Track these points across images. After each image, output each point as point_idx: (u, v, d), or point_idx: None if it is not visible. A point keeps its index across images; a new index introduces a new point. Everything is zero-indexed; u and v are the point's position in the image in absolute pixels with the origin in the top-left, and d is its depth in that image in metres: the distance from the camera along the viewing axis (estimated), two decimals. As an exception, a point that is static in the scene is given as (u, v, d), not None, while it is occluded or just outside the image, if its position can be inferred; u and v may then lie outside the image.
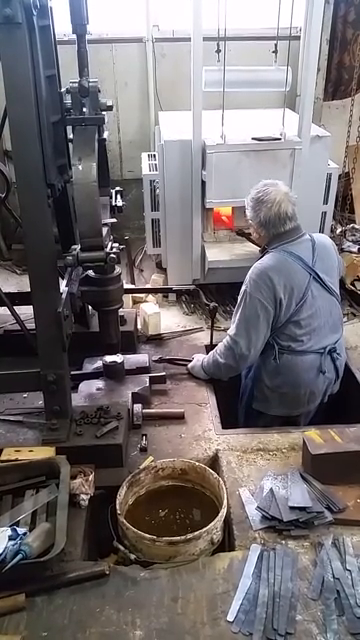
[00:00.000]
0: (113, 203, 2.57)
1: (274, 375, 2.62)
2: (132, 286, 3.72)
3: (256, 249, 2.91)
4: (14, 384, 2.43)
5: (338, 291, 2.71)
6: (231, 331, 2.61)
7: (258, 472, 2.19)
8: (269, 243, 2.64)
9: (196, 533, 1.83)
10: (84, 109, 2.02)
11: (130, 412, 2.49)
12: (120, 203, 2.59)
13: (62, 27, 2.06)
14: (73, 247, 2.16)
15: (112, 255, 2.10)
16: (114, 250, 2.16)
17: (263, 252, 2.69)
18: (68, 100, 2.05)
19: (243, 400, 2.82)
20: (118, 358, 2.72)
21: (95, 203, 1.99)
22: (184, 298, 3.73)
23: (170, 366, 2.92)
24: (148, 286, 3.90)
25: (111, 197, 2.57)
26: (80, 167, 1.94)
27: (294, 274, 2.53)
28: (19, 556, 1.68)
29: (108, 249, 2.16)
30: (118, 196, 2.62)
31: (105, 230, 2.15)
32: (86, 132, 2.02)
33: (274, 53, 3.67)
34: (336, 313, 2.69)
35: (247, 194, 2.70)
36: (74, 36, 1.96)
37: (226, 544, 1.99)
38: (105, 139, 2.31)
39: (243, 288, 2.57)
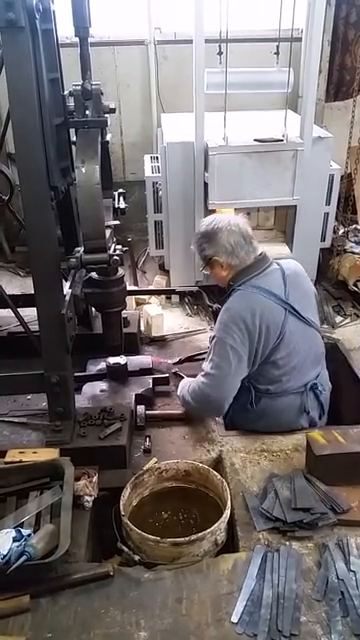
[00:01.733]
0: (116, 205, 2.58)
1: (254, 420, 2.46)
2: (135, 288, 3.74)
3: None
4: (18, 386, 2.43)
5: (316, 320, 2.52)
6: (202, 378, 2.37)
7: (262, 473, 2.18)
8: (234, 279, 2.37)
9: (200, 534, 1.83)
10: (87, 112, 2.03)
11: (133, 413, 2.49)
12: (123, 205, 2.60)
13: (65, 30, 2.07)
14: (76, 249, 2.17)
15: (115, 257, 2.11)
16: (117, 252, 2.17)
17: (229, 289, 2.40)
18: (71, 103, 2.06)
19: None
20: (121, 360, 2.72)
21: (98, 205, 2.00)
22: (187, 300, 3.74)
23: (172, 367, 2.91)
24: (151, 288, 3.91)
25: (114, 199, 2.58)
26: (83, 170, 1.94)
27: (268, 312, 2.29)
28: (23, 557, 1.69)
29: (111, 251, 2.16)
30: (121, 198, 2.63)
31: (108, 232, 2.15)
32: (89, 135, 2.02)
33: (276, 55, 3.68)
34: (317, 346, 2.50)
35: (195, 235, 2.45)
36: (76, 39, 1.96)
37: (230, 545, 1.98)
38: (108, 141, 2.33)
39: (213, 333, 2.37)
